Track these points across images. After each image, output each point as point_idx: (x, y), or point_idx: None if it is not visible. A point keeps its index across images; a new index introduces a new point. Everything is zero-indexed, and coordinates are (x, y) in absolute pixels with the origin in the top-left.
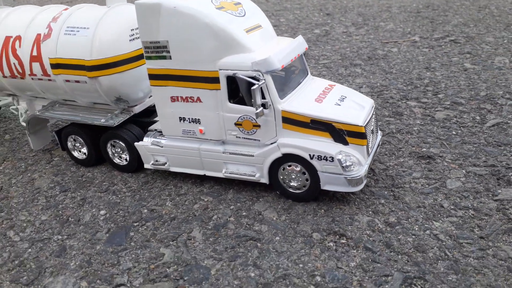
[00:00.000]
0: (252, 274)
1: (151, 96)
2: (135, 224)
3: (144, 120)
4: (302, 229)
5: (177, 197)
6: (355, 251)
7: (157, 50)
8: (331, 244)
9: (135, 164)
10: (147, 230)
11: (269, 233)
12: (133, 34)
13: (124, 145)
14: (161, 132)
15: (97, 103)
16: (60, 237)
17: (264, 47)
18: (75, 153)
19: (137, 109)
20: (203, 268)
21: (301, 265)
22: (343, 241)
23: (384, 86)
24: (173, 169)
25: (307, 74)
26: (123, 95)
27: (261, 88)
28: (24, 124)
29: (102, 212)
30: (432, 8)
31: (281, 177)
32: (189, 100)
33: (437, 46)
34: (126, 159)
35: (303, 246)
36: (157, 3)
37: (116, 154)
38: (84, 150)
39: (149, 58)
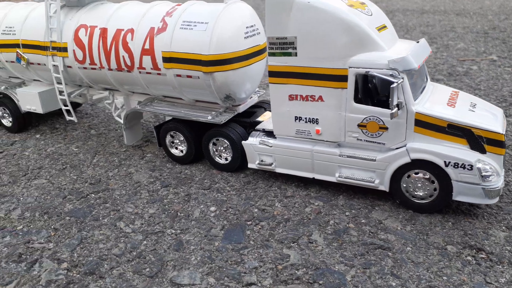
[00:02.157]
0: (393, 284)
1: (251, 97)
2: (248, 222)
3: (246, 120)
4: (433, 241)
5: (285, 199)
6: (500, 267)
7: (283, 46)
8: (469, 258)
9: (237, 164)
10: (263, 229)
11: (398, 242)
12: (248, 32)
13: (228, 143)
14: (267, 132)
15: (199, 100)
16: (173, 231)
17: (394, 47)
18: (172, 150)
19: (241, 108)
20: (337, 273)
21: (445, 278)
22: (483, 255)
23: None
24: (279, 170)
25: (428, 79)
26: (232, 93)
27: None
28: (118, 119)
29: (212, 208)
30: (499, 30)
31: (404, 185)
32: (310, 99)
33: None
34: (226, 158)
35: (441, 259)
36: None
37: (216, 153)
38: (182, 147)
39: (272, 54)
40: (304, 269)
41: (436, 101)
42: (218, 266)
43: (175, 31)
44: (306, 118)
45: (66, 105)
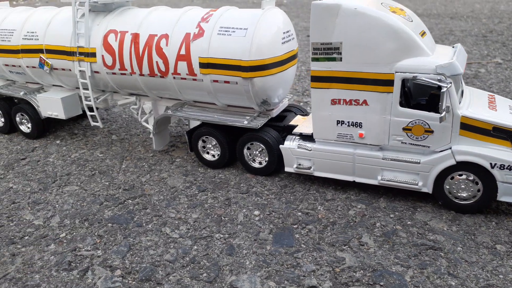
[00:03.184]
0: (453, 283)
1: (282, 101)
2: (294, 226)
3: (279, 124)
4: (482, 241)
5: (326, 202)
6: None
7: (327, 52)
8: None
9: (273, 167)
10: (312, 233)
11: (447, 243)
12: (284, 37)
13: (263, 147)
14: (302, 136)
15: (232, 105)
16: (221, 235)
17: (436, 52)
18: (204, 155)
19: (274, 113)
20: (396, 275)
21: (501, 276)
22: None
23: None
24: (318, 173)
25: (463, 83)
26: (268, 98)
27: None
28: (145, 124)
29: (255, 212)
30: (497, 33)
31: (447, 187)
32: (353, 103)
33: None
34: (260, 162)
35: (493, 258)
36: (336, 4)
37: (250, 157)
38: (214, 152)
39: (316, 59)
40: (362, 271)
41: (477, 104)
42: (275, 270)
43: (213, 37)
44: (349, 122)
45: (91, 111)
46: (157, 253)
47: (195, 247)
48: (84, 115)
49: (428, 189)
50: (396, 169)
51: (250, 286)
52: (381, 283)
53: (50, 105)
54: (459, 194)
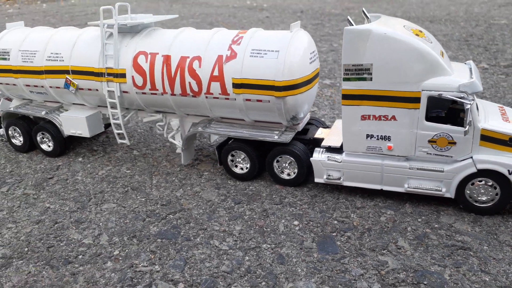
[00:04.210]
0: (486, 279)
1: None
2: (333, 234)
3: (305, 138)
4: (504, 239)
5: (357, 210)
6: None
7: (358, 72)
8: None
9: (302, 178)
10: (351, 239)
11: (474, 243)
12: (311, 57)
13: (292, 159)
14: (328, 148)
15: (260, 120)
16: (268, 246)
17: (454, 70)
18: (233, 168)
19: (300, 127)
20: (436, 274)
21: None
22: None
23: None
24: (347, 183)
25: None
26: (297, 114)
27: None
28: (172, 140)
29: (295, 222)
30: (477, 37)
31: (468, 192)
32: (382, 118)
33: (510, 73)
34: (288, 174)
35: None
36: (367, 29)
37: (279, 169)
38: (242, 165)
39: (347, 79)
40: (405, 272)
41: (493, 117)
42: (327, 276)
43: (245, 58)
44: (378, 136)
45: (119, 129)
46: (213, 265)
47: (247, 257)
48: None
49: (451, 194)
50: (421, 177)
51: None
52: (425, 282)
53: (74, 123)
54: (479, 198)
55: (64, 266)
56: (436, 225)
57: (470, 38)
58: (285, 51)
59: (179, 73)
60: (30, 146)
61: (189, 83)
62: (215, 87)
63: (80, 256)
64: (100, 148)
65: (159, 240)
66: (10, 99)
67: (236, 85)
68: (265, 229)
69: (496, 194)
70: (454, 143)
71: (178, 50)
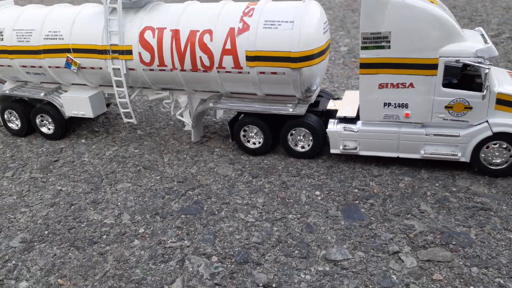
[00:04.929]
0: (511, 236)
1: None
2: (356, 201)
3: (317, 110)
4: None
5: (375, 178)
6: None
7: (376, 41)
8: None
9: (317, 150)
10: (375, 206)
11: (493, 203)
12: (324, 28)
13: (307, 132)
14: (342, 118)
15: (272, 94)
16: (294, 216)
17: (469, 37)
18: (246, 143)
19: (313, 99)
20: (462, 234)
21: None
22: None
23: None
24: (363, 153)
25: None
26: (311, 86)
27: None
28: (180, 117)
29: (316, 192)
30: (460, 9)
31: (483, 155)
32: (400, 86)
33: (499, 43)
34: (303, 146)
35: None
36: None
37: (293, 142)
38: (255, 140)
39: (365, 48)
40: (432, 234)
41: (506, 82)
42: (357, 242)
43: (258, 30)
44: (395, 104)
45: (126, 107)
46: (243, 237)
47: (275, 228)
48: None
49: (466, 158)
50: (437, 143)
51: (343, 257)
52: (453, 243)
53: (77, 104)
54: (493, 161)
55: (90, 247)
56: (454, 189)
57: (454, 10)
58: (300, 22)
59: (189, 47)
60: (28, 129)
61: (200, 57)
62: (228, 60)
63: (104, 236)
64: (102, 129)
65: (183, 216)
66: (2, 82)
67: (249, 58)
68: (287, 200)
69: (510, 156)
70: (470, 108)
71: (187, 24)
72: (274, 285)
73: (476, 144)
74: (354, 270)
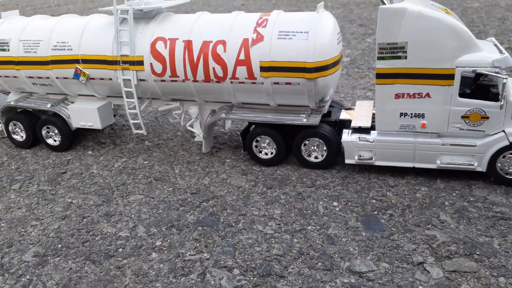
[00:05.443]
0: None
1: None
2: (374, 212)
3: (330, 120)
4: None
5: (392, 188)
6: None
7: (393, 51)
8: None
9: (331, 160)
10: (394, 217)
11: (511, 212)
12: (338, 38)
13: (320, 142)
14: (355, 128)
15: (284, 104)
16: (313, 227)
17: (484, 47)
18: (259, 154)
19: (326, 109)
20: (485, 244)
21: None
22: None
23: None
24: (379, 163)
25: None
26: (325, 96)
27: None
28: (190, 128)
29: (334, 203)
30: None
31: (499, 165)
32: (417, 96)
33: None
34: (316, 157)
35: None
36: (402, 8)
37: (306, 152)
38: (267, 150)
39: (382, 58)
40: (455, 244)
41: None
42: (381, 253)
43: (273, 41)
44: (411, 114)
45: (135, 118)
46: (264, 249)
47: (295, 240)
48: None
49: (482, 168)
50: (453, 152)
51: (367, 269)
52: (477, 253)
53: (85, 115)
54: (510, 170)
55: (106, 260)
56: (471, 199)
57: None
58: (315, 32)
59: (202, 58)
60: (33, 141)
61: (213, 68)
62: (241, 71)
63: (120, 249)
64: (108, 140)
65: (199, 228)
66: (7, 93)
67: (264, 69)
68: (305, 211)
69: None
70: (487, 117)
71: (200, 34)
72: None
73: (492, 153)
74: (380, 281)
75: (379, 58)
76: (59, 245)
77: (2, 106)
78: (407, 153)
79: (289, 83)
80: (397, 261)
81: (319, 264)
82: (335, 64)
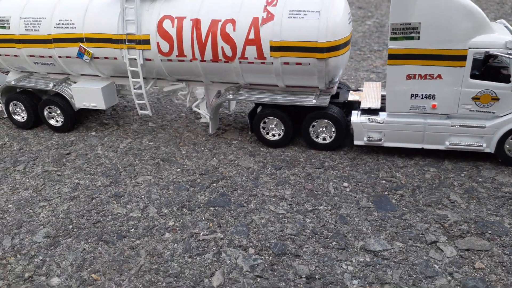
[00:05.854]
0: None
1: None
2: (385, 193)
3: (339, 101)
4: None
5: (400, 169)
6: None
7: (406, 31)
8: None
9: (340, 142)
10: (405, 197)
11: None
12: (349, 18)
13: (329, 123)
14: (364, 110)
15: (292, 85)
16: (325, 207)
17: (495, 29)
18: (266, 136)
19: (334, 90)
20: (496, 223)
21: None
22: None
23: None
24: (388, 144)
25: None
26: (335, 77)
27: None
28: (196, 109)
29: (344, 184)
30: None
31: (507, 146)
32: (428, 77)
33: None
34: (324, 138)
35: None
36: None
37: (314, 133)
38: (275, 132)
39: (394, 39)
40: (466, 223)
41: None
42: (394, 232)
43: (283, 20)
44: (422, 95)
45: (141, 99)
46: (277, 229)
47: (308, 220)
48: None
49: (491, 149)
50: (462, 134)
51: (382, 248)
52: (489, 232)
53: (88, 95)
54: None
55: (119, 241)
56: (480, 179)
57: None
58: (327, 12)
59: (210, 37)
60: (35, 122)
61: (222, 47)
62: (251, 51)
63: (132, 230)
64: (111, 121)
65: (211, 208)
66: (6, 72)
67: (274, 48)
68: (315, 192)
69: None
70: (497, 99)
71: (208, 13)
72: (317, 277)
73: (502, 135)
74: (395, 260)
75: (392, 39)
76: (70, 226)
77: (2, 86)
78: (416, 134)
79: (300, 63)
80: (410, 240)
81: (334, 243)
82: (346, 44)
